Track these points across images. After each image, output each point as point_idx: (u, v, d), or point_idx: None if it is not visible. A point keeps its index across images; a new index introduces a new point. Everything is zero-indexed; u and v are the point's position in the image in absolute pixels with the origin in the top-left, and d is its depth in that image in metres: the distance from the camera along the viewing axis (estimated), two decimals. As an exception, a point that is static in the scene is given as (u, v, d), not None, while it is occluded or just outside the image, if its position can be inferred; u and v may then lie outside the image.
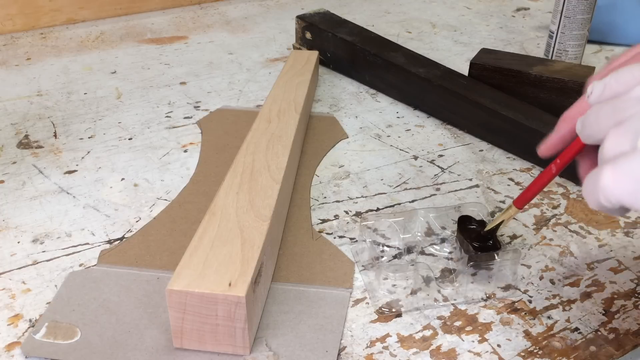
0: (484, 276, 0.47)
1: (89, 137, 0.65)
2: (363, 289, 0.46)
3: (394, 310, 0.45)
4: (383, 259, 0.49)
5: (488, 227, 0.47)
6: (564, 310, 0.45)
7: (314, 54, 0.76)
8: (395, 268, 0.47)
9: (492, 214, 0.54)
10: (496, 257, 0.46)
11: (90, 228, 0.52)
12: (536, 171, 0.60)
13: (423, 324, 0.43)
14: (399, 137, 0.66)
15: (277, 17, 0.98)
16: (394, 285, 0.46)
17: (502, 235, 0.52)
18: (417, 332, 0.43)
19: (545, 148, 0.41)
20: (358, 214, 0.54)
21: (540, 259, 0.50)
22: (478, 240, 0.48)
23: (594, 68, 0.69)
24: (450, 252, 0.50)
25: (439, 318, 0.44)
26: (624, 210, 0.32)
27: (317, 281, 0.47)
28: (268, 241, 0.43)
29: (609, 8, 0.88)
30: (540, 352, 0.42)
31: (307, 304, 0.45)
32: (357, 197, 0.57)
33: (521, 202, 0.45)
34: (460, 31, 0.94)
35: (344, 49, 0.77)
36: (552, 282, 0.47)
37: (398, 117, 0.70)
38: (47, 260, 0.48)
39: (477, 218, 0.50)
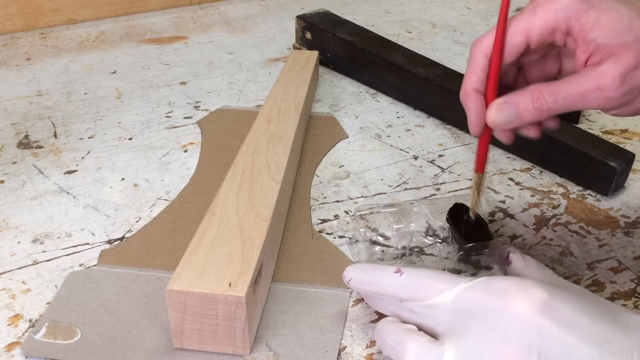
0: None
1: (89, 137, 0.65)
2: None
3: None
4: (382, 261, 0.49)
5: (472, 208, 0.48)
6: (564, 310, 0.45)
7: (314, 54, 0.76)
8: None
9: (492, 214, 0.54)
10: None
11: (90, 228, 0.52)
12: (536, 171, 0.60)
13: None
14: (399, 137, 0.66)
15: (277, 17, 0.98)
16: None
17: (502, 236, 0.52)
18: (417, 332, 0.43)
19: (474, 129, 0.43)
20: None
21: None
22: (468, 229, 0.48)
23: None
24: (449, 253, 0.50)
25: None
26: None
27: (317, 281, 0.47)
28: (268, 241, 0.43)
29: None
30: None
31: (307, 304, 0.45)
32: (357, 197, 0.57)
33: (480, 166, 0.45)
34: (460, 31, 0.94)
35: (344, 49, 0.77)
36: (552, 282, 0.47)
37: (398, 117, 0.70)
38: (47, 260, 0.48)
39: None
